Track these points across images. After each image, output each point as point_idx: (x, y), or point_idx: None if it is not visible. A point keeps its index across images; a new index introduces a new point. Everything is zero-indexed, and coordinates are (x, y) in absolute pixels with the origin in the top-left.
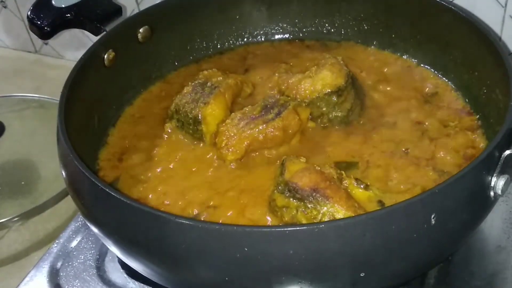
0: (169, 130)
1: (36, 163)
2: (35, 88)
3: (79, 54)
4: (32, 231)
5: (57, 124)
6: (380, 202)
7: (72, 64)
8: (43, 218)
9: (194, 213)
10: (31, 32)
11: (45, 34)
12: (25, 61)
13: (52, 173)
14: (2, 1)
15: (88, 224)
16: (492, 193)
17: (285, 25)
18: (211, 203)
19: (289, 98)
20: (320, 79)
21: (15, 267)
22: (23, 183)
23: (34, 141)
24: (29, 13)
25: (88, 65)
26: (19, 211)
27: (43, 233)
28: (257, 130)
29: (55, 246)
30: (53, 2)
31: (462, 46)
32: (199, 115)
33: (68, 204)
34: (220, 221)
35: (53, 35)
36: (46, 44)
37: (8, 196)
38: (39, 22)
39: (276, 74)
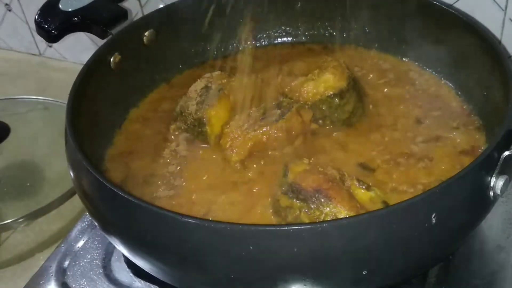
0: (174, 132)
1: (41, 164)
2: (39, 90)
3: (83, 57)
4: (37, 232)
5: (65, 125)
6: (385, 202)
7: (76, 67)
8: (48, 219)
9: (200, 213)
10: (35, 35)
11: (52, 38)
12: (29, 63)
13: (57, 174)
14: (7, 4)
15: (96, 224)
16: (491, 193)
17: (287, 28)
18: (216, 203)
19: (292, 100)
20: (323, 81)
21: (20, 267)
22: (28, 184)
23: (39, 143)
24: (36, 17)
25: (94, 68)
26: (24, 212)
27: (48, 234)
28: (260, 131)
29: (62, 246)
30: (60, 6)
31: (462, 49)
32: (204, 117)
33: (73, 205)
34: (225, 221)
35: (60, 38)
36: (50, 46)
37: (14, 197)
38: (46, 26)
39: (279, 77)
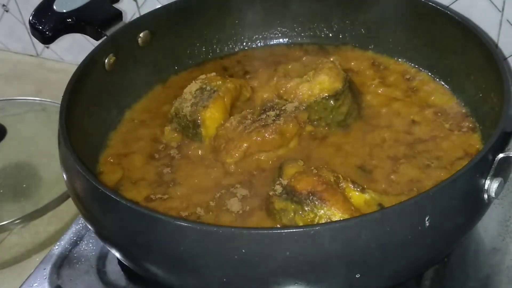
0: (169, 134)
1: (37, 166)
2: (36, 91)
3: (80, 58)
4: (33, 234)
5: (58, 127)
6: (381, 205)
7: (73, 68)
8: (44, 220)
9: (194, 216)
10: (32, 36)
11: (46, 39)
12: (26, 64)
13: (53, 176)
14: (4, 5)
15: (89, 227)
16: (486, 196)
17: (283, 29)
18: (211, 205)
19: (287, 102)
20: (318, 83)
21: (16, 269)
22: (24, 186)
23: (36, 144)
24: (31, 18)
25: (89, 69)
26: (20, 214)
27: (44, 235)
28: (255, 133)
29: (56, 248)
30: (54, 7)
31: (458, 50)
32: (199, 118)
33: (69, 206)
34: (219, 223)
35: (55, 39)
36: (48, 47)
37: (10, 199)
38: (40, 27)
39: (275, 78)
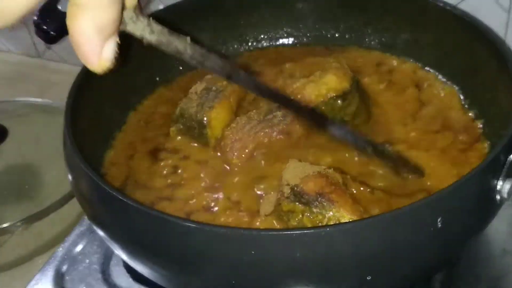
0: (175, 134)
1: (39, 167)
2: (38, 92)
3: None
4: (36, 236)
5: (63, 128)
6: (389, 206)
7: (75, 69)
8: (47, 222)
9: (200, 217)
10: (34, 37)
11: (51, 39)
12: (28, 65)
13: (56, 178)
14: None
15: (94, 228)
16: (498, 197)
17: (289, 30)
18: (217, 207)
19: None
20: (325, 83)
21: (19, 271)
22: (26, 187)
23: (38, 146)
24: (35, 18)
25: None
26: (22, 216)
27: (46, 237)
28: (262, 133)
29: (60, 250)
30: (59, 7)
31: (466, 50)
32: (204, 119)
33: (72, 208)
34: (226, 225)
35: (59, 39)
36: (50, 49)
37: (12, 201)
38: (45, 27)
39: (280, 79)
